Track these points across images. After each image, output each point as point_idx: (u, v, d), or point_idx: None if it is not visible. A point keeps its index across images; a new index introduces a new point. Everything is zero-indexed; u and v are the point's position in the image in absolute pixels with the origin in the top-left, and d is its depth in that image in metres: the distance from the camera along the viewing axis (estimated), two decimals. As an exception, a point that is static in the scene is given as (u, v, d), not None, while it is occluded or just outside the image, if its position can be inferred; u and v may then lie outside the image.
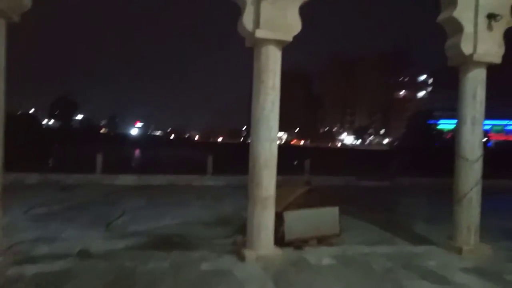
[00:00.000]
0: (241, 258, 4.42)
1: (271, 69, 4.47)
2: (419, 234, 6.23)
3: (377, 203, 9.53)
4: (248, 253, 4.40)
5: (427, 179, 14.77)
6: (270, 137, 4.48)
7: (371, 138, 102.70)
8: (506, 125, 63.22)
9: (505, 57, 5.06)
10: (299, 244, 5.06)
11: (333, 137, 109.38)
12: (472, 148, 5.02)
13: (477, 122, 5.02)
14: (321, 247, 5.10)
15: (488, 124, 60.41)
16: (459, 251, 4.96)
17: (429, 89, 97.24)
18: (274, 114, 4.50)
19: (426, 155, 24.02)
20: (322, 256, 4.71)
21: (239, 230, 5.67)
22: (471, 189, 4.99)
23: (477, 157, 5.02)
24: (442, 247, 5.20)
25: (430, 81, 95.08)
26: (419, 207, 9.10)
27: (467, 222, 5.00)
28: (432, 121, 48.70)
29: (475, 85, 5.05)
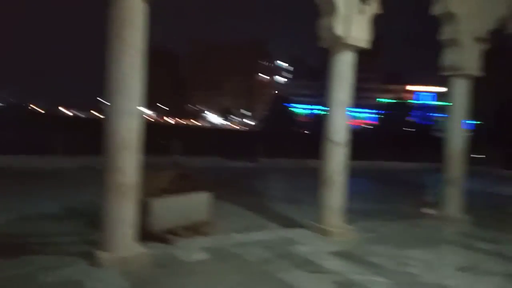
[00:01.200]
0: (95, 262, 3.56)
1: (135, 24, 3.61)
2: (289, 217, 6.23)
3: (246, 186, 9.46)
4: (104, 256, 3.56)
5: (288, 160, 15.62)
6: (131, 109, 3.63)
7: (237, 118, 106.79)
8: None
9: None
10: (168, 236, 4.41)
11: (201, 117, 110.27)
12: (340, 131, 5.10)
13: (346, 105, 5.12)
14: (193, 239, 4.56)
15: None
16: (326, 233, 5.04)
17: (289, 75, 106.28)
18: (136, 81, 3.65)
19: (286, 137, 25.62)
20: (193, 251, 4.19)
21: (94, 225, 4.70)
22: (337, 172, 5.09)
23: (345, 140, 5.13)
24: (311, 230, 5.24)
25: (291, 68, 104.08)
26: (286, 190, 9.38)
27: (334, 204, 5.11)
28: (290, 105, 52.75)
29: (345, 68, 5.12)
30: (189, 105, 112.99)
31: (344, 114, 5.11)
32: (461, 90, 6.60)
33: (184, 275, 3.57)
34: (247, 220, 5.97)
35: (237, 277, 3.63)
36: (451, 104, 6.70)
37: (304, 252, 4.42)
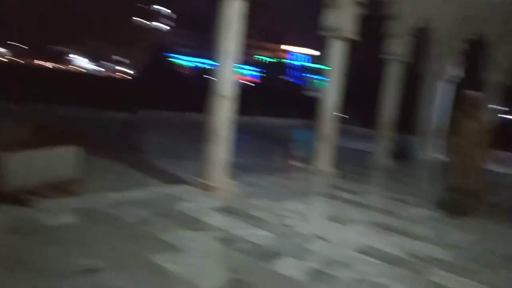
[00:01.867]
0: None
1: None
2: (172, 173, 5.95)
3: (123, 140, 8.75)
4: None
5: (170, 113, 15.02)
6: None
7: (111, 65, 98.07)
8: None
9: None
10: (27, 197, 3.74)
11: (66, 59, 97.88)
12: (228, 84, 4.93)
13: (234, 57, 4.93)
14: (59, 200, 3.96)
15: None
16: (210, 188, 4.95)
17: (171, 23, 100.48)
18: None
19: (167, 89, 24.55)
20: (59, 213, 3.64)
21: None
22: (224, 127, 4.97)
23: (233, 94, 4.99)
24: (194, 186, 5.09)
25: (174, 16, 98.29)
26: (167, 144, 8.96)
27: (218, 160, 5.02)
28: (172, 56, 50.44)
29: (235, 18, 4.86)
30: (53, 46, 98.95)
31: (231, 67, 4.92)
32: (339, 52, 7.00)
33: (45, 242, 3.06)
34: (125, 178, 5.49)
35: (111, 241, 3.26)
36: (329, 65, 7.08)
37: (186, 209, 4.27)
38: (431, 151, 12.80)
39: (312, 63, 71.74)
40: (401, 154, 10.97)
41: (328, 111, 7.20)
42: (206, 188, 4.97)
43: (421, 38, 11.33)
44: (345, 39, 6.97)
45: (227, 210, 4.42)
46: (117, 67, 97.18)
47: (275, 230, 3.99)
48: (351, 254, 3.62)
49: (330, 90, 7.15)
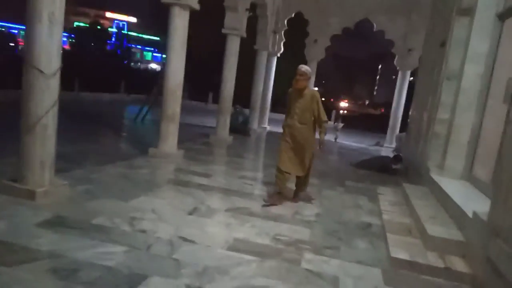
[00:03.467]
0: None
1: None
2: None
3: None
4: None
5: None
6: None
7: None
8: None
9: None
10: None
11: None
12: (49, 57, 3.69)
13: (57, 21, 3.69)
14: None
15: (16, 28, 56.87)
16: (31, 195, 3.72)
17: None
18: None
19: None
20: None
21: None
22: (47, 113, 3.76)
23: (55, 70, 3.78)
24: (7, 194, 3.74)
25: None
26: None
27: (41, 156, 3.79)
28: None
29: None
30: None
31: (53, 33, 3.67)
32: (182, 22, 6.29)
33: None
34: None
35: None
36: (171, 36, 6.32)
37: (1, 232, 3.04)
38: (262, 123, 13.56)
39: (128, 30, 66.96)
40: (239, 128, 11.18)
41: (172, 88, 6.49)
42: (27, 195, 3.71)
43: (256, 15, 11.53)
44: (188, 8, 6.30)
45: (58, 223, 3.36)
46: None
47: (129, 241, 3.21)
48: (223, 254, 3.20)
49: (173, 64, 6.42)
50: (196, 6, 6.50)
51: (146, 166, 6.00)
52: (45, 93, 3.70)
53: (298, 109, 4.68)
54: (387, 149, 12.57)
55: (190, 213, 4.11)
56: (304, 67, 4.63)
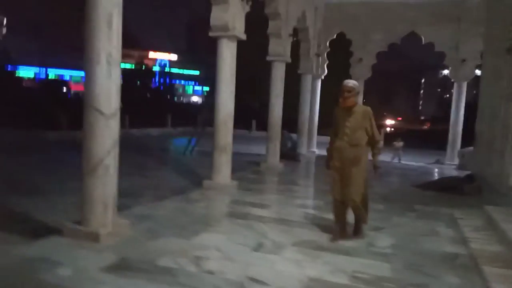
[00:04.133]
0: None
1: None
2: (31, 219, 4.37)
3: None
4: None
5: (16, 131, 12.31)
6: None
7: None
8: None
9: None
10: None
11: None
12: (108, 97, 3.68)
13: (115, 62, 3.71)
14: None
15: (67, 73, 61.13)
16: (95, 237, 3.64)
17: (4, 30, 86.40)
18: None
19: (9, 103, 20.49)
20: None
21: None
22: (108, 153, 3.72)
23: (115, 110, 3.76)
24: (70, 236, 3.70)
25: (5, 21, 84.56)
26: (19, 172, 6.94)
27: (104, 197, 3.73)
28: (11, 67, 43.43)
29: (110, 10, 3.66)
30: None
31: (111, 73, 3.68)
32: (230, 52, 6.27)
33: None
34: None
35: None
36: (220, 67, 6.29)
37: (63, 279, 2.93)
38: (310, 147, 13.20)
39: (170, 67, 69.96)
40: (289, 154, 10.92)
41: (223, 118, 6.42)
42: (90, 237, 3.64)
43: (298, 39, 11.47)
44: (236, 39, 6.29)
45: (123, 267, 3.22)
46: None
47: (198, 284, 2.99)
48: (299, 297, 2.88)
49: (223, 95, 6.38)
50: (243, 37, 6.48)
51: (202, 200, 5.86)
52: (105, 133, 3.68)
53: (348, 129, 4.09)
54: (449, 167, 11.72)
55: (256, 250, 3.85)
56: (351, 82, 4.14)
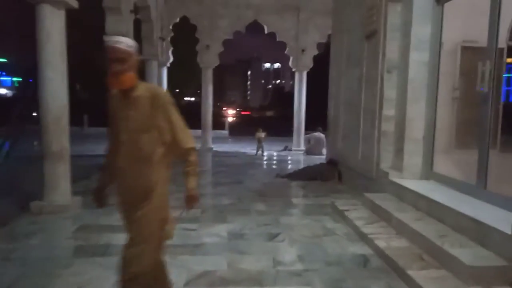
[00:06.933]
0: None
1: None
2: None
3: None
4: None
5: None
6: None
7: None
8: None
9: None
10: None
11: None
12: None
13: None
14: None
15: None
16: None
17: None
18: None
19: None
20: None
21: None
22: None
23: None
24: None
25: None
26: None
27: None
28: None
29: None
30: None
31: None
32: (57, 24, 4.55)
33: None
34: None
35: None
36: (43, 46, 4.52)
37: None
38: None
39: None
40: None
41: (55, 114, 4.69)
42: None
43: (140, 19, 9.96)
44: (63, 6, 4.60)
45: None
46: None
47: None
48: None
49: (51, 83, 4.63)
50: (75, 4, 4.84)
51: (34, 232, 4.09)
52: None
53: (126, 132, 2.11)
54: (297, 153, 12.22)
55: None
56: (121, 39, 2.07)
